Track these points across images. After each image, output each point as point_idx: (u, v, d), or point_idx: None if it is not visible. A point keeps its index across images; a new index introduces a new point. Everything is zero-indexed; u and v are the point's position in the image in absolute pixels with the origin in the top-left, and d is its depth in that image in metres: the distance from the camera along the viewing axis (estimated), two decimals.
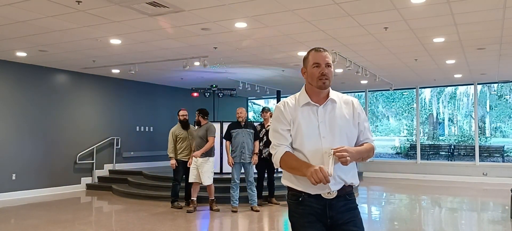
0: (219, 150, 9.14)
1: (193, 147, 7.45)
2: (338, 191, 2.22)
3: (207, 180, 7.19)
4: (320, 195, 2.21)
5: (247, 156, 7.27)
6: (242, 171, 7.36)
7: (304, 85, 2.35)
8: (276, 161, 2.28)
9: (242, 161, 7.26)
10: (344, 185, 2.24)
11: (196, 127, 7.59)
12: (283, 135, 2.27)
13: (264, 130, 7.82)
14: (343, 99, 2.34)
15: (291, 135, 2.27)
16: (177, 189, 7.69)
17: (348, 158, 2.08)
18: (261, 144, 7.69)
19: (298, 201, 2.26)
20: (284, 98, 2.39)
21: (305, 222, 2.24)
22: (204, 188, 7.54)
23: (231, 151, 7.34)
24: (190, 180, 7.29)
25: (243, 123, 7.37)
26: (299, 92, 2.34)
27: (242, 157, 7.24)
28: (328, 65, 2.26)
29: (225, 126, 8.00)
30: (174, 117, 12.60)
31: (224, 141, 7.66)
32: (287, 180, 2.33)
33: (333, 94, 2.32)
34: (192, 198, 7.38)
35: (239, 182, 7.34)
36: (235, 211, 7.26)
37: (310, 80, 2.28)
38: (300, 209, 2.26)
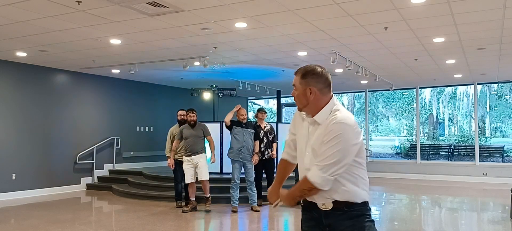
0: (219, 150, 9.14)
1: (184, 146, 7.23)
2: (333, 203, 2.16)
3: (206, 174, 7.17)
4: (316, 204, 2.22)
5: (248, 156, 7.27)
6: (242, 171, 7.36)
7: None
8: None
9: (243, 160, 7.25)
10: (336, 200, 2.15)
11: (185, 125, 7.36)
12: (288, 141, 2.44)
13: (262, 131, 7.80)
14: (328, 120, 2.13)
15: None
16: (178, 188, 7.65)
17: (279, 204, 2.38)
18: (262, 146, 7.69)
19: (301, 206, 2.35)
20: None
21: (305, 226, 2.33)
22: (199, 188, 7.45)
23: (231, 149, 7.34)
24: (188, 181, 7.19)
25: (244, 123, 7.37)
26: None
27: (240, 156, 7.23)
28: (294, 86, 2.25)
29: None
30: (174, 117, 12.63)
31: (224, 133, 7.63)
32: None
33: (322, 114, 2.17)
34: (190, 199, 7.33)
35: (239, 182, 7.34)
36: (235, 211, 7.26)
37: None
38: (304, 215, 2.35)
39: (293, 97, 2.27)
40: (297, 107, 2.28)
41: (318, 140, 2.13)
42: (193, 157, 7.16)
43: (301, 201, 2.30)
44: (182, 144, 7.34)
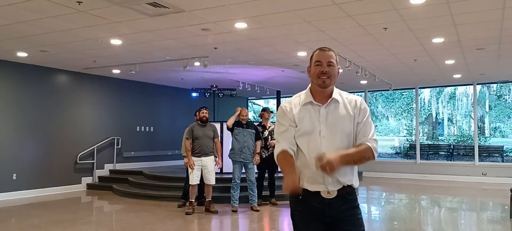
0: (220, 150, 9.14)
1: (193, 146, 7.08)
2: (338, 190, 2.23)
3: (214, 179, 7.15)
4: (320, 193, 2.22)
5: (249, 156, 7.29)
6: (243, 171, 7.38)
7: (309, 85, 2.38)
8: (275, 157, 2.33)
9: (244, 160, 7.27)
10: (343, 186, 2.24)
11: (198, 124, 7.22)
12: (284, 133, 2.30)
13: (266, 131, 7.82)
14: (348, 99, 2.35)
15: (294, 135, 2.28)
16: (187, 188, 7.47)
17: (328, 169, 2.06)
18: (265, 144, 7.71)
19: (298, 199, 2.29)
20: (290, 98, 2.41)
21: (305, 219, 2.29)
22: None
23: (232, 150, 7.36)
24: (194, 182, 7.01)
25: (245, 123, 7.39)
26: (304, 91, 2.37)
27: (242, 156, 7.25)
28: (329, 64, 2.28)
29: (225, 125, 8.00)
30: (174, 117, 12.67)
31: (224, 133, 7.62)
32: None
33: (336, 93, 2.33)
34: (191, 200, 7.17)
35: (239, 181, 7.36)
36: (235, 211, 7.28)
37: (312, 79, 2.33)
38: (300, 207, 2.30)
39: (322, 75, 2.35)
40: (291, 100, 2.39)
41: (350, 115, 2.29)
42: (202, 158, 7.04)
43: (301, 195, 2.25)
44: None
